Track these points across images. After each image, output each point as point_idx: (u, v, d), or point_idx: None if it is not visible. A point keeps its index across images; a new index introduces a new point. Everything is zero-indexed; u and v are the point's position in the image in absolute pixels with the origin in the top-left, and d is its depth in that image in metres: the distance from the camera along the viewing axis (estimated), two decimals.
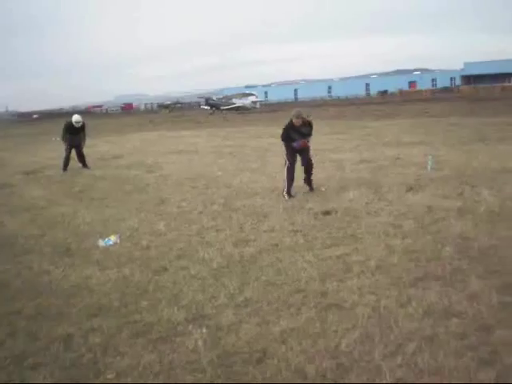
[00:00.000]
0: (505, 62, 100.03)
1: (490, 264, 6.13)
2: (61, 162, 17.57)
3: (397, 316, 4.93)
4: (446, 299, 5.23)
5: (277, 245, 7.43)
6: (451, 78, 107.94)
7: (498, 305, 5.06)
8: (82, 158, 17.84)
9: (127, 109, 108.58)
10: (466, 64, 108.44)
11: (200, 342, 4.72)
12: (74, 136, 17.48)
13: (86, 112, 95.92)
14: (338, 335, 4.68)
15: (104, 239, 8.16)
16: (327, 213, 8.94)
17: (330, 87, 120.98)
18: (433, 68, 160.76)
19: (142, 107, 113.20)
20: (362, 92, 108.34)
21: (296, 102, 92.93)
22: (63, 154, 17.62)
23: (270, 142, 22.60)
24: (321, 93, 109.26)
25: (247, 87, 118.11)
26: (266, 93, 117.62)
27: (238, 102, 66.83)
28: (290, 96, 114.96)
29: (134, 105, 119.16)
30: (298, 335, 4.75)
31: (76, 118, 17.45)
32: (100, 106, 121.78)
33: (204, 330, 4.93)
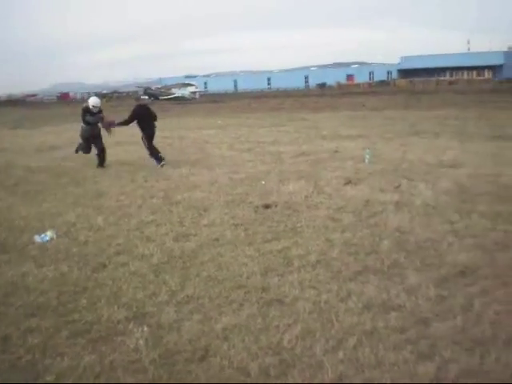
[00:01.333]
0: (440, 57, 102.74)
1: (427, 257, 6.29)
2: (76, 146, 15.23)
3: (337, 310, 4.99)
4: (385, 293, 5.33)
5: (218, 239, 7.39)
6: (388, 72, 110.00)
7: (436, 298, 5.19)
8: (102, 153, 14.74)
9: (64, 98, 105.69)
10: (402, 58, 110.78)
11: (141, 341, 4.64)
12: (92, 125, 14.48)
13: (22, 101, 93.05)
14: (280, 331, 4.69)
15: (40, 235, 7.91)
16: (267, 206, 8.96)
17: (269, 79, 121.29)
18: (370, 61, 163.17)
19: (79, 96, 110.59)
20: (301, 84, 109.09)
21: (236, 93, 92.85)
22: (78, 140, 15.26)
23: (209, 133, 22.52)
24: (261, 84, 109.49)
25: (187, 77, 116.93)
26: (205, 83, 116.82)
27: (178, 93, 66.34)
28: (230, 87, 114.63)
29: (71, 94, 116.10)
30: (240, 332, 4.73)
31: (94, 100, 14.71)
32: (35, 95, 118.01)
33: (145, 329, 4.85)
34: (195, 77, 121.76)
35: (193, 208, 9.17)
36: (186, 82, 77.23)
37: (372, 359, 4.16)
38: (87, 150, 14.96)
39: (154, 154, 14.34)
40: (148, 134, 14.56)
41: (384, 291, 5.36)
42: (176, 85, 72.04)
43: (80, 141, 14.99)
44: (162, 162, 14.13)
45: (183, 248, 7.10)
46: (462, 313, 4.84)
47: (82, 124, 14.53)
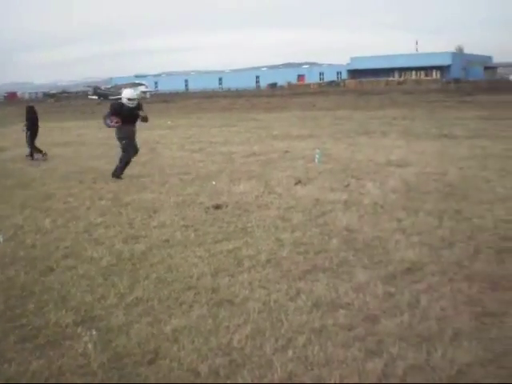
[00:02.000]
0: (389, 57, 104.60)
1: (375, 255, 6.39)
2: (116, 165, 12.29)
3: (287, 309, 5.02)
4: (334, 291, 5.38)
5: (168, 240, 7.34)
6: (338, 72, 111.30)
7: (383, 295, 5.27)
8: (136, 152, 12.61)
9: (11, 98, 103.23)
10: (352, 59, 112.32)
11: (90, 345, 4.56)
12: (129, 124, 11.97)
13: None
14: (229, 331, 4.68)
15: None
16: (218, 207, 8.95)
17: (220, 79, 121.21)
18: (321, 62, 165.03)
19: (27, 96, 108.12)
20: (252, 84, 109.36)
21: (187, 93, 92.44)
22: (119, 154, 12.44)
23: (160, 133, 22.36)
24: (212, 84, 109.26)
25: (137, 77, 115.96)
26: (156, 83, 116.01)
27: None
28: (181, 87, 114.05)
29: (19, 94, 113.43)
30: (190, 333, 4.70)
31: (130, 92, 12.39)
32: None
33: (93, 333, 4.77)
34: (145, 76, 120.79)
35: (142, 209, 9.08)
36: (137, 82, 76.64)
37: (321, 357, 4.20)
38: (133, 153, 12.36)
39: (34, 150, 16.34)
40: (33, 131, 16.52)
41: (333, 289, 5.42)
42: (126, 84, 71.35)
43: (121, 147, 12.20)
44: (35, 157, 16.17)
45: (133, 250, 7.02)
46: (408, 309, 4.93)
47: (107, 121, 11.96)
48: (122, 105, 11.93)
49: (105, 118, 12.02)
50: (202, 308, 5.19)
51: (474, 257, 6.22)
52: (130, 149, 12.05)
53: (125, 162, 12.15)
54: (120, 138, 12.16)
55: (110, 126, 12.06)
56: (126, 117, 11.75)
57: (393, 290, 5.38)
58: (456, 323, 4.64)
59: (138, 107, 12.22)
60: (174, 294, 5.54)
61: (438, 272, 5.79)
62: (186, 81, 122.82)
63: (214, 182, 11.05)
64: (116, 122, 11.67)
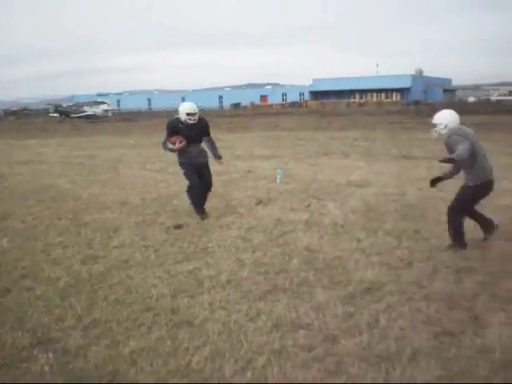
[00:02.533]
0: (350, 80, 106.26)
1: (335, 275, 6.43)
2: (187, 198, 10.05)
3: (246, 330, 5.00)
4: (294, 311, 5.39)
5: (127, 261, 7.26)
6: (300, 93, 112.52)
7: (343, 315, 5.30)
8: (207, 186, 9.97)
9: None
10: (314, 80, 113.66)
11: (46, 368, 4.46)
12: (191, 145, 9.67)
13: None
14: (189, 353, 4.64)
15: None
16: (179, 227, 8.90)
17: (183, 98, 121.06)
18: (284, 83, 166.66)
19: None
20: (215, 104, 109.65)
21: (150, 112, 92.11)
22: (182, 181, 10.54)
23: (121, 152, 22.21)
24: (175, 103, 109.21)
25: (99, 95, 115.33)
26: (118, 101, 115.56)
27: (90, 111, 65.32)
28: (144, 105, 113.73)
29: None
30: (148, 355, 4.64)
31: (190, 105, 9.86)
32: None
33: (50, 355, 4.67)
34: (108, 95, 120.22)
35: (102, 229, 8.97)
36: (99, 100, 76.24)
37: (280, 378, 4.19)
38: (200, 183, 9.80)
39: None
40: None
41: (293, 309, 5.42)
42: (88, 102, 70.95)
43: (187, 181, 9.90)
44: None
45: (91, 271, 6.92)
46: (368, 329, 4.96)
47: (169, 146, 9.72)
48: (180, 122, 9.72)
49: (164, 142, 9.86)
50: (161, 329, 5.13)
51: (432, 276, 6.31)
52: (193, 177, 9.77)
53: (191, 196, 9.87)
54: (180, 164, 9.98)
55: (174, 150, 9.71)
56: (185, 137, 9.53)
57: (352, 309, 5.41)
58: (414, 343, 4.68)
59: (203, 125, 10.00)
60: (133, 316, 5.47)
61: (397, 292, 5.85)
62: (149, 100, 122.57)
63: (175, 202, 10.99)
64: (180, 142, 9.49)
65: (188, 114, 9.59)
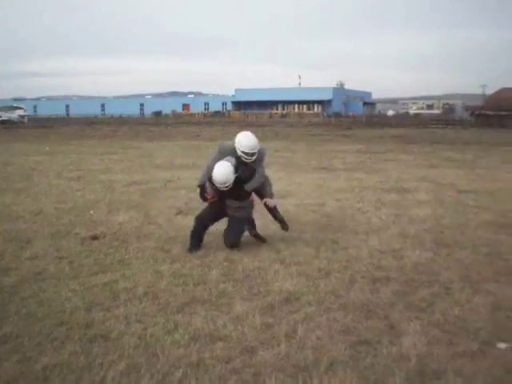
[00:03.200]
0: (273, 91, 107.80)
1: (254, 286, 6.45)
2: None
3: (163, 343, 4.92)
4: (212, 323, 5.36)
5: (40, 273, 7.01)
6: (223, 103, 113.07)
7: (261, 326, 5.30)
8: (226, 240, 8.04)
9: None
10: (236, 90, 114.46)
11: None
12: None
13: None
14: (103, 368, 4.52)
15: None
16: (95, 237, 8.70)
17: (103, 105, 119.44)
18: (206, 92, 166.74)
19: None
20: (136, 111, 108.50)
21: (68, 119, 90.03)
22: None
23: (37, 160, 21.53)
24: (94, 110, 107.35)
25: (15, 100, 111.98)
26: (35, 107, 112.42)
27: (4, 116, 63.38)
28: (62, 112, 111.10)
29: None
30: (61, 371, 4.48)
31: (248, 144, 8.00)
32: None
33: None
34: (24, 100, 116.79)
35: (14, 240, 8.64)
36: (15, 105, 74.14)
37: None
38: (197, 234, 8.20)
39: None
40: None
41: (211, 322, 5.39)
42: (3, 107, 68.79)
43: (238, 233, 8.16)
44: None
45: (2, 283, 6.63)
46: (286, 340, 4.99)
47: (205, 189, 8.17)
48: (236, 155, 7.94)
49: (205, 174, 8.16)
50: (75, 344, 4.97)
51: (349, 286, 6.43)
52: (208, 217, 8.30)
53: (192, 229, 8.20)
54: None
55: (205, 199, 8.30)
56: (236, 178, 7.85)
57: (271, 320, 5.44)
58: (332, 352, 4.74)
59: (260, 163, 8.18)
60: (45, 330, 5.27)
61: (315, 302, 5.93)
62: (67, 106, 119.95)
63: (91, 212, 10.75)
64: (212, 197, 8.12)
65: (245, 154, 7.91)
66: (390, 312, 5.66)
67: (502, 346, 4.89)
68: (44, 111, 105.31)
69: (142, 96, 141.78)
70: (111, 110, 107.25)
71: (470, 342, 4.96)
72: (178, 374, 4.39)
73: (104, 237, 8.77)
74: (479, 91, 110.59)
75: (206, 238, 8.45)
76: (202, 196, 8.26)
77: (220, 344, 4.91)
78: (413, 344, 4.88)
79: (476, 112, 69.56)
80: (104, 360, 4.65)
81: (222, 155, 8.03)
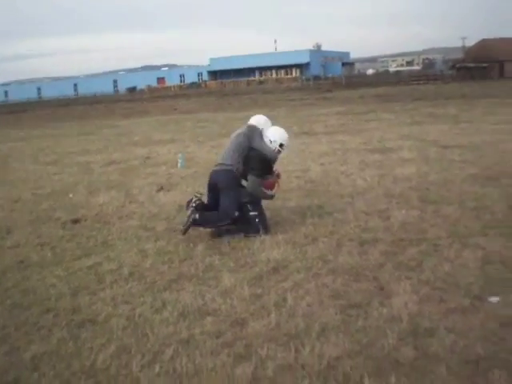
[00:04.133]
0: (249, 57, 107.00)
1: (240, 257, 6.47)
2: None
3: (152, 322, 4.94)
4: (200, 298, 5.38)
5: (22, 261, 6.98)
6: (199, 74, 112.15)
7: (250, 297, 5.33)
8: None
9: None
10: (211, 59, 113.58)
11: None
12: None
13: None
14: (93, 352, 4.53)
15: None
16: (76, 221, 8.66)
17: (76, 85, 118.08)
18: (181, 64, 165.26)
19: None
20: (110, 89, 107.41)
21: (40, 102, 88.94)
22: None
23: (11, 146, 21.38)
24: (67, 91, 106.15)
25: None
26: (6, 92, 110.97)
27: None
28: (34, 95, 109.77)
29: None
30: (50, 359, 4.49)
31: (286, 135, 7.85)
32: None
33: None
34: None
35: None
36: None
37: (190, 368, 4.17)
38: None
39: None
40: None
41: (199, 297, 5.41)
42: None
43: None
44: None
45: None
46: (275, 309, 5.02)
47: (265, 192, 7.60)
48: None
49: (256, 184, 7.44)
50: (63, 331, 4.98)
51: (337, 250, 6.48)
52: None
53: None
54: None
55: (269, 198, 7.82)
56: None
57: (260, 291, 5.47)
58: (322, 318, 4.79)
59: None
60: (32, 319, 5.27)
61: (303, 268, 5.96)
62: (39, 88, 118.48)
63: (71, 195, 10.68)
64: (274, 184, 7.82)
65: (282, 146, 7.68)
66: (379, 273, 5.72)
67: (493, 299, 4.96)
68: (16, 96, 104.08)
69: (115, 72, 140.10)
70: (84, 90, 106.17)
71: (461, 297, 5.02)
72: (169, 351, 4.42)
73: (85, 220, 8.74)
74: (459, 44, 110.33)
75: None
76: (267, 195, 7.66)
77: (209, 319, 4.94)
78: (403, 304, 4.93)
79: (457, 65, 69.67)
80: (93, 344, 4.67)
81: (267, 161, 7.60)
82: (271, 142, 7.59)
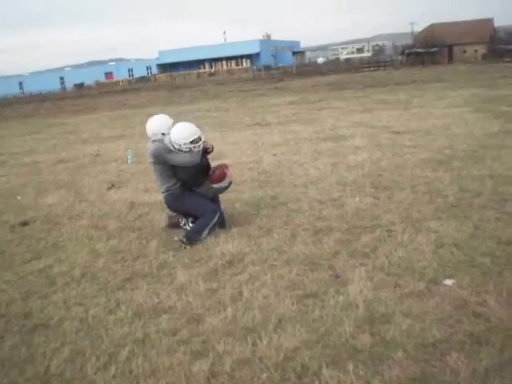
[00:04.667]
0: (198, 49, 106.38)
1: (195, 252, 6.45)
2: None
3: (106, 324, 4.89)
4: (155, 296, 5.35)
5: None
6: (147, 67, 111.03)
7: (206, 292, 5.33)
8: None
9: None
10: (160, 52, 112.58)
11: None
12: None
13: None
14: (46, 358, 4.46)
15: None
16: (25, 223, 8.49)
17: (21, 83, 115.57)
18: (128, 57, 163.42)
19: None
20: (57, 86, 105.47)
21: None
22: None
23: None
24: (11, 89, 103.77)
25: None
26: None
27: None
28: None
29: None
30: (3, 366, 4.42)
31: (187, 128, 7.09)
32: None
33: None
34: None
35: None
36: None
37: (146, 368, 4.15)
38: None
39: None
40: None
41: (154, 295, 5.38)
42: None
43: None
44: None
45: None
46: (232, 303, 5.03)
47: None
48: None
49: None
50: (15, 337, 4.89)
51: (291, 241, 6.51)
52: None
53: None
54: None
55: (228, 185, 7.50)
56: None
57: (215, 285, 5.47)
58: (279, 309, 4.82)
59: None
60: None
61: (259, 261, 5.98)
62: None
63: (18, 197, 10.47)
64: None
65: (194, 141, 6.97)
66: (334, 262, 5.77)
67: (448, 282, 5.05)
68: None
69: (61, 69, 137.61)
70: (30, 88, 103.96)
71: (417, 282, 5.10)
72: (125, 352, 4.39)
73: (34, 221, 8.58)
74: (409, 30, 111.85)
75: (142, 209, 8.40)
76: (223, 188, 7.36)
77: (165, 316, 4.92)
78: (359, 291, 4.99)
79: (406, 51, 70.65)
80: (46, 349, 4.60)
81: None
82: (180, 146, 6.89)
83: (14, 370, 4.36)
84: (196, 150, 6.96)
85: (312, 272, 5.57)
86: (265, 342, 4.30)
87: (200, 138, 6.99)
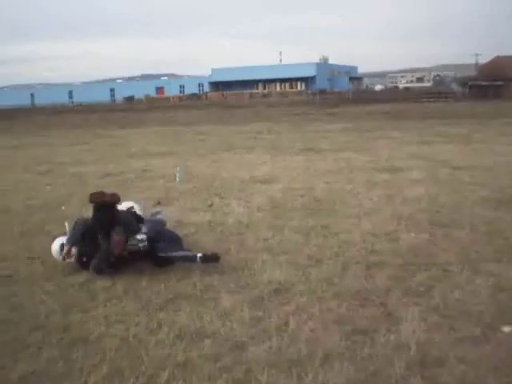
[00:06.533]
0: (252, 69, 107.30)
1: (241, 278, 6.45)
2: None
3: (147, 344, 4.92)
4: (198, 320, 5.36)
5: (11, 276, 6.96)
6: (199, 85, 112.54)
7: (250, 320, 5.32)
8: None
9: None
10: (213, 70, 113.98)
11: None
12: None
13: None
14: (84, 373, 4.51)
15: None
16: None
17: (71, 92, 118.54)
18: (180, 74, 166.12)
19: None
20: (106, 98, 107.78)
21: (33, 108, 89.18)
22: None
23: (2, 154, 21.38)
24: (61, 98, 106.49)
25: None
26: None
27: None
28: (27, 101, 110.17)
29: None
30: (39, 379, 4.48)
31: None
32: None
33: None
34: None
35: None
36: None
37: None
38: None
39: None
40: None
41: (197, 318, 5.39)
42: None
43: None
44: None
45: None
46: (277, 333, 5.01)
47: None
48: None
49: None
50: (53, 349, 4.96)
51: (342, 273, 6.46)
52: None
53: None
54: None
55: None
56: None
57: (260, 313, 5.45)
58: (326, 344, 4.77)
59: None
60: (20, 336, 5.25)
61: (307, 291, 5.95)
62: (32, 95, 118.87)
63: (63, 208, 10.68)
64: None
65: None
66: (386, 299, 5.70)
67: (506, 329, 4.94)
68: (7, 101, 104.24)
69: (112, 80, 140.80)
70: (80, 97, 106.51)
71: (473, 326, 5.00)
72: (165, 375, 4.40)
73: None
74: (472, 61, 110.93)
75: (188, 229, 8.46)
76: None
77: (207, 341, 4.92)
78: (412, 331, 4.92)
79: (469, 83, 69.88)
80: (84, 365, 4.65)
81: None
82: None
83: (50, 383, 4.42)
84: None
85: (362, 307, 5.52)
86: (310, 377, 4.27)
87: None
